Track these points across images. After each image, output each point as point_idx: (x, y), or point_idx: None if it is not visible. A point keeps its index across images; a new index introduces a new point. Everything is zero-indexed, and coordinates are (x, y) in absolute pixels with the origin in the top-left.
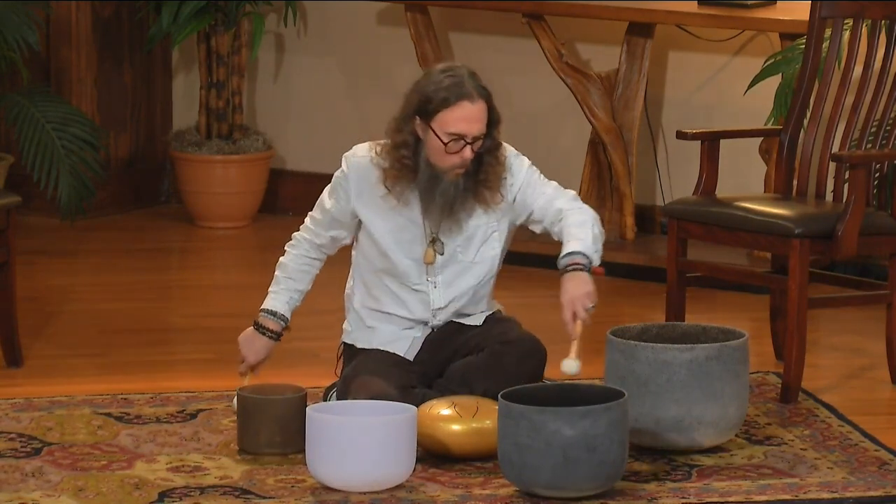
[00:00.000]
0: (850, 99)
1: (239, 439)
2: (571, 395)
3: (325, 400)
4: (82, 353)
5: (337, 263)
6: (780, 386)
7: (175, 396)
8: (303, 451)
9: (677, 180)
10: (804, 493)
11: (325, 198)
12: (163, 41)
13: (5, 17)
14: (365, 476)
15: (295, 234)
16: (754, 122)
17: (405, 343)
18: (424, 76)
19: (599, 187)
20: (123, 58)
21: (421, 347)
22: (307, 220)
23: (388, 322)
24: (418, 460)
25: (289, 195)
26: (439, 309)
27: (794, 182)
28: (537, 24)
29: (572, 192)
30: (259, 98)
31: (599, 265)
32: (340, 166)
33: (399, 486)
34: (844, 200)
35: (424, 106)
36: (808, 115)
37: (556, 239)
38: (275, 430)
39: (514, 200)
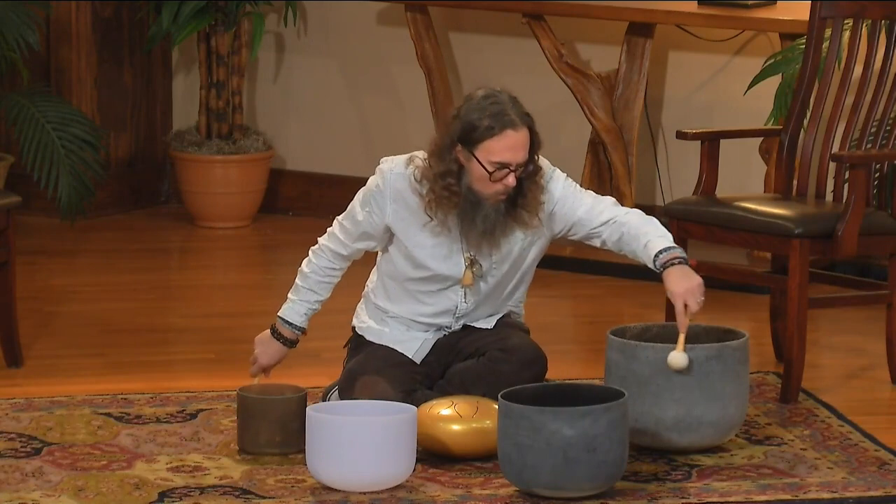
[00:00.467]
0: (850, 99)
1: (239, 439)
2: (571, 395)
3: (324, 400)
4: (82, 353)
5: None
6: (780, 386)
7: (175, 396)
8: (303, 451)
9: (677, 180)
10: (804, 493)
11: (357, 209)
12: (163, 41)
13: (5, 17)
14: (365, 476)
15: (321, 240)
16: (754, 122)
17: (415, 344)
18: (465, 103)
19: (599, 187)
20: (123, 58)
21: (430, 350)
22: (335, 227)
23: (404, 323)
24: (418, 460)
25: (289, 195)
26: (463, 316)
27: (794, 182)
28: (537, 24)
29: (611, 199)
30: (259, 98)
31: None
32: (375, 177)
33: (399, 486)
34: (844, 200)
35: (468, 134)
36: (808, 115)
37: (614, 248)
38: (275, 430)
39: (552, 214)
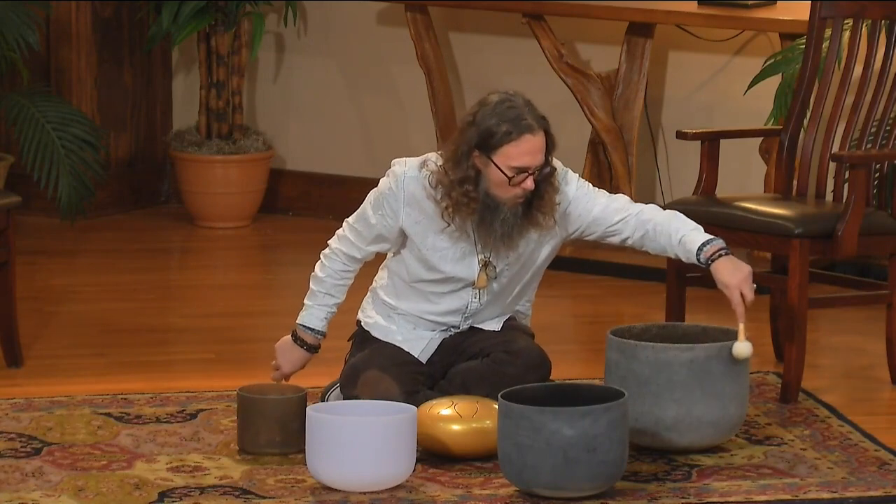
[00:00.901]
0: (850, 99)
1: (239, 439)
2: (571, 395)
3: (323, 399)
4: (82, 353)
5: None
6: (780, 386)
7: (175, 396)
8: (303, 451)
9: (677, 180)
10: (804, 493)
11: (370, 212)
12: (163, 41)
13: (5, 17)
14: (365, 476)
15: (332, 244)
16: (754, 122)
17: (421, 344)
18: (480, 108)
19: (599, 187)
20: (123, 58)
21: (435, 350)
22: (346, 230)
23: (411, 321)
24: (418, 460)
25: (289, 195)
26: (471, 316)
27: (794, 182)
28: (537, 24)
29: (625, 196)
30: (259, 98)
31: None
32: (388, 179)
33: (399, 486)
34: (844, 200)
35: (486, 140)
36: (808, 115)
37: (637, 245)
38: (275, 430)
39: (566, 214)
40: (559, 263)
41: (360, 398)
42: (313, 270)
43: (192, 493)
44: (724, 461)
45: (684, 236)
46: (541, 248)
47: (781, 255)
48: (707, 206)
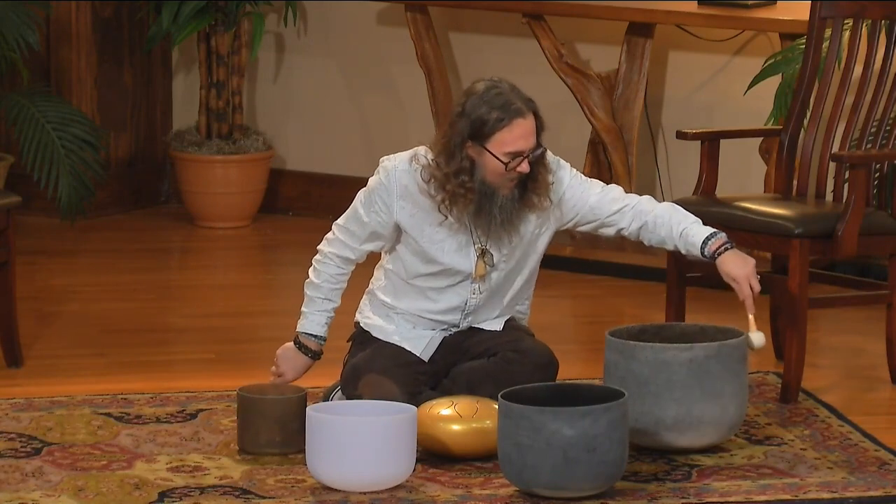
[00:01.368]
0: (850, 99)
1: (239, 439)
2: (571, 395)
3: (326, 400)
4: (82, 353)
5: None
6: (780, 386)
7: (175, 396)
8: (303, 451)
9: (677, 180)
10: (804, 493)
11: (361, 211)
12: (163, 41)
13: (5, 17)
14: (365, 476)
15: (323, 248)
16: (754, 122)
17: (422, 342)
18: (468, 98)
19: None
20: (123, 58)
21: (436, 348)
22: (336, 233)
23: (410, 321)
24: (418, 460)
25: (289, 195)
26: (471, 313)
27: (794, 182)
28: (537, 24)
29: (618, 187)
30: (259, 98)
31: None
32: (378, 175)
33: (399, 486)
34: (844, 200)
35: (479, 129)
36: (808, 115)
37: (634, 236)
38: (275, 430)
39: (562, 200)
40: (559, 263)
41: (362, 398)
42: (307, 277)
43: (192, 493)
44: (724, 461)
45: (686, 229)
46: (538, 237)
47: (781, 255)
48: (707, 206)
